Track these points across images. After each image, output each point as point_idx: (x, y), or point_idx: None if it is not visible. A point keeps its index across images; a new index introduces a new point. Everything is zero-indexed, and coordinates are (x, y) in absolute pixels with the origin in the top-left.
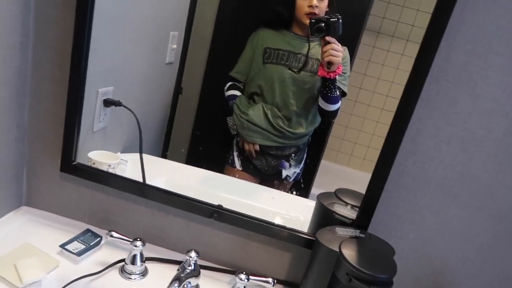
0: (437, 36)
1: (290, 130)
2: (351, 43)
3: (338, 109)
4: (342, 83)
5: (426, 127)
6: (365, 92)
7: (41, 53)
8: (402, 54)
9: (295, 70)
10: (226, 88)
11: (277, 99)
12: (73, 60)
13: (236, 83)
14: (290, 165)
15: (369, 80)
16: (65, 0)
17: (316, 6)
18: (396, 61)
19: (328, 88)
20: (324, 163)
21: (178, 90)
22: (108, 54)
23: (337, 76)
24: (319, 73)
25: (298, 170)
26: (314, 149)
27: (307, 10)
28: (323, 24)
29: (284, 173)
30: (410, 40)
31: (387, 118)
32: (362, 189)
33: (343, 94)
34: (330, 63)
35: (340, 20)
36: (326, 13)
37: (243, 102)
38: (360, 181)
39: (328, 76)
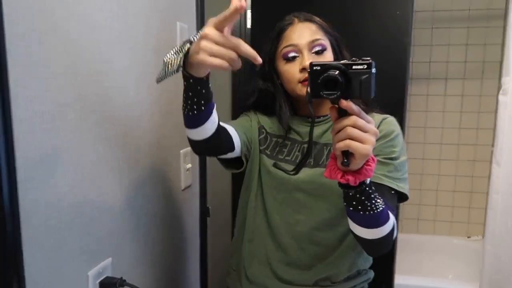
0: None
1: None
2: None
3: (391, 232)
4: (389, 177)
5: None
6: None
7: None
8: None
9: (289, 171)
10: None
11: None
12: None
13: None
14: None
15: None
16: None
17: None
18: None
19: (354, 200)
20: None
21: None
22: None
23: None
24: (325, 174)
25: None
26: None
27: (299, 76)
28: (336, 73)
29: None
30: None
31: None
32: None
33: (402, 197)
34: (348, 155)
35: (373, 69)
36: None
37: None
38: None
39: (343, 181)
